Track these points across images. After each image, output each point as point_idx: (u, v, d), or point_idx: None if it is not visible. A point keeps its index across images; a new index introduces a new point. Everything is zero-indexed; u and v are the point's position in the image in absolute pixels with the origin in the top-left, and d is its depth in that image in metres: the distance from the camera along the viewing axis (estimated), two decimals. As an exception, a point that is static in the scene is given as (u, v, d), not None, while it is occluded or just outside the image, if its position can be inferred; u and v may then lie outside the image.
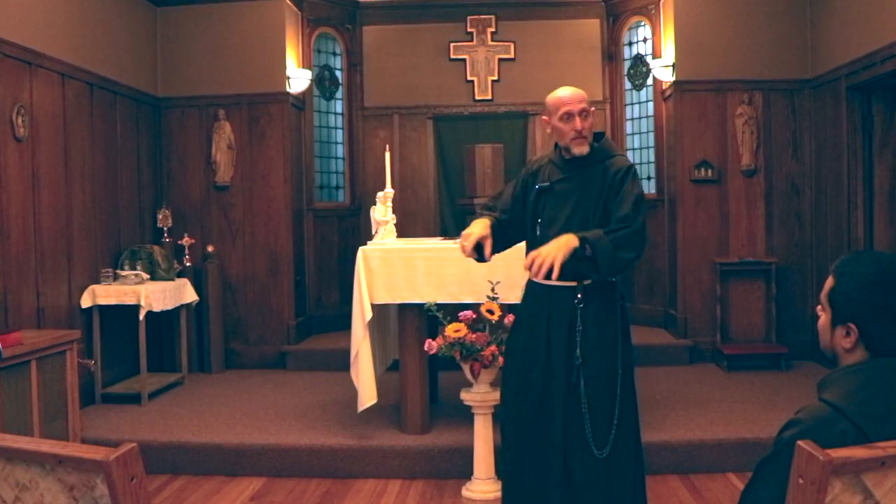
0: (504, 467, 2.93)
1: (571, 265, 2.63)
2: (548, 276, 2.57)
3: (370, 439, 3.99)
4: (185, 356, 5.50)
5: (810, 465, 1.16)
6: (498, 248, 2.90)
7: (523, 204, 2.93)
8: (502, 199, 3.01)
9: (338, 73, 6.76)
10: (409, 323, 4.04)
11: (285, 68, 5.94)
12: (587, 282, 2.74)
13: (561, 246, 2.58)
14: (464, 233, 2.86)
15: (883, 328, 1.45)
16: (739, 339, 5.72)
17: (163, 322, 5.62)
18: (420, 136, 6.84)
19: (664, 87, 6.09)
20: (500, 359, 3.27)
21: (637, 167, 6.57)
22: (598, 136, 2.88)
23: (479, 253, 2.84)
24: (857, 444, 1.26)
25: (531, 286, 2.89)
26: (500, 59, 6.76)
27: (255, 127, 5.99)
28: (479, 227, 2.83)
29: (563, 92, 2.84)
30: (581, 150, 2.78)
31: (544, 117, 2.90)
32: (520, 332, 2.92)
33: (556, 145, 2.92)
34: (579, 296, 2.74)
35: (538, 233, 2.82)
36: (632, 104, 6.65)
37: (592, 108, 2.86)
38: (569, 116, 2.76)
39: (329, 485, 3.83)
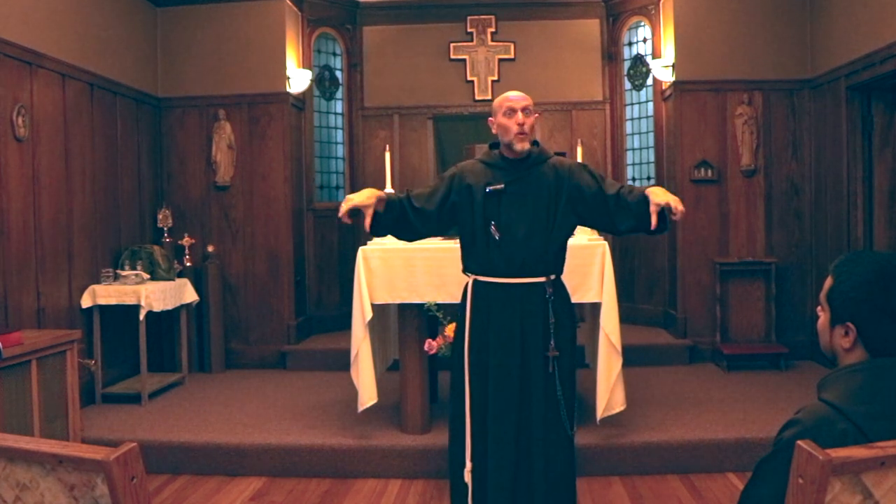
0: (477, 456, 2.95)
1: (542, 260, 2.87)
2: (516, 270, 2.86)
3: (370, 439, 4.00)
4: (185, 356, 5.50)
5: (810, 464, 1.17)
6: (386, 224, 2.94)
7: (450, 206, 2.98)
8: (426, 193, 3.02)
9: (338, 74, 6.76)
10: (409, 323, 4.04)
11: (285, 68, 5.94)
12: (552, 277, 2.93)
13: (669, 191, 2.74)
14: (347, 196, 2.89)
15: (882, 328, 1.45)
16: (739, 338, 5.73)
17: (163, 322, 5.63)
18: (420, 136, 6.84)
19: (664, 88, 6.10)
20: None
21: (637, 167, 6.61)
22: (534, 143, 3.01)
23: (372, 219, 2.86)
24: (857, 444, 1.26)
25: (483, 286, 2.96)
26: (500, 60, 6.76)
27: (256, 127, 5.99)
28: (362, 196, 2.86)
29: (510, 92, 2.99)
30: (522, 146, 2.90)
31: (490, 119, 3.00)
32: (482, 330, 2.95)
33: (492, 147, 3.05)
34: (549, 290, 2.90)
35: (496, 235, 2.87)
36: (632, 104, 6.65)
37: (537, 115, 3.00)
38: (511, 112, 2.89)
39: (329, 485, 3.83)
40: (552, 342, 2.88)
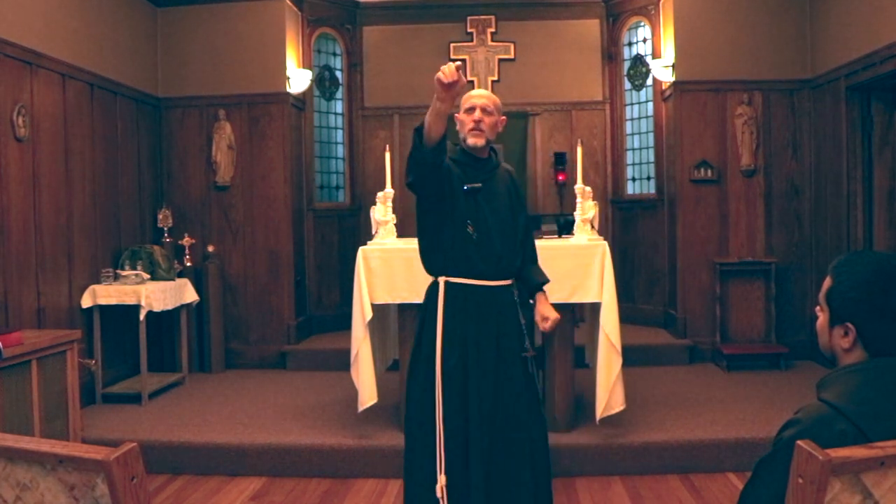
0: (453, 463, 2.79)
1: (513, 262, 2.93)
2: (493, 272, 2.88)
3: (370, 439, 4.00)
4: (186, 356, 5.50)
5: (810, 464, 1.17)
6: (439, 148, 2.67)
7: (444, 171, 2.80)
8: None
9: (338, 74, 6.77)
10: (409, 323, 4.04)
11: (285, 68, 5.94)
12: (514, 279, 2.98)
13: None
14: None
15: (881, 328, 1.45)
16: (739, 338, 5.73)
17: (163, 322, 5.63)
18: (420, 137, 6.83)
19: (664, 88, 6.10)
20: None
21: (637, 167, 6.61)
22: (493, 150, 3.02)
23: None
24: (857, 444, 1.26)
25: (460, 289, 2.85)
26: (500, 60, 6.77)
27: (256, 127, 5.99)
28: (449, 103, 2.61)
29: (475, 90, 3.04)
30: (475, 141, 2.89)
31: (456, 114, 2.92)
32: (458, 334, 2.83)
33: (459, 146, 2.97)
34: (515, 292, 2.95)
35: (473, 234, 2.82)
36: (632, 104, 6.65)
37: (503, 118, 2.97)
38: (471, 109, 2.90)
39: (329, 485, 3.83)
40: (527, 343, 2.90)
